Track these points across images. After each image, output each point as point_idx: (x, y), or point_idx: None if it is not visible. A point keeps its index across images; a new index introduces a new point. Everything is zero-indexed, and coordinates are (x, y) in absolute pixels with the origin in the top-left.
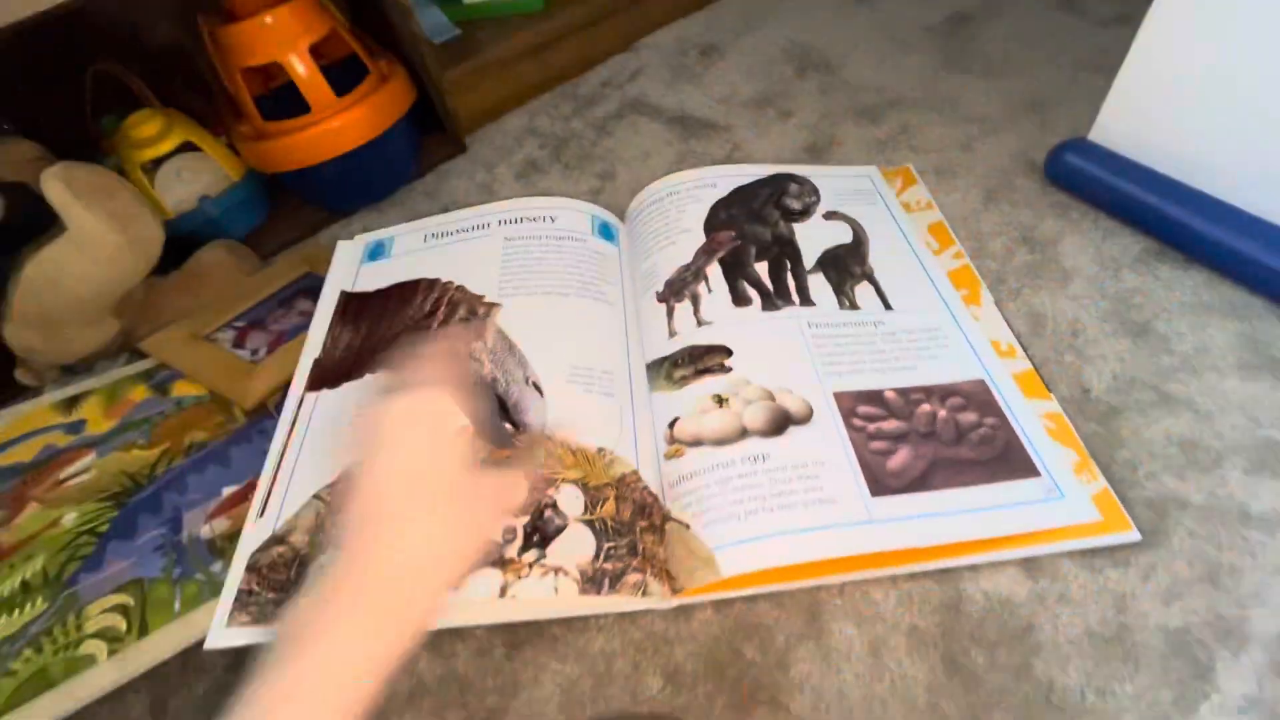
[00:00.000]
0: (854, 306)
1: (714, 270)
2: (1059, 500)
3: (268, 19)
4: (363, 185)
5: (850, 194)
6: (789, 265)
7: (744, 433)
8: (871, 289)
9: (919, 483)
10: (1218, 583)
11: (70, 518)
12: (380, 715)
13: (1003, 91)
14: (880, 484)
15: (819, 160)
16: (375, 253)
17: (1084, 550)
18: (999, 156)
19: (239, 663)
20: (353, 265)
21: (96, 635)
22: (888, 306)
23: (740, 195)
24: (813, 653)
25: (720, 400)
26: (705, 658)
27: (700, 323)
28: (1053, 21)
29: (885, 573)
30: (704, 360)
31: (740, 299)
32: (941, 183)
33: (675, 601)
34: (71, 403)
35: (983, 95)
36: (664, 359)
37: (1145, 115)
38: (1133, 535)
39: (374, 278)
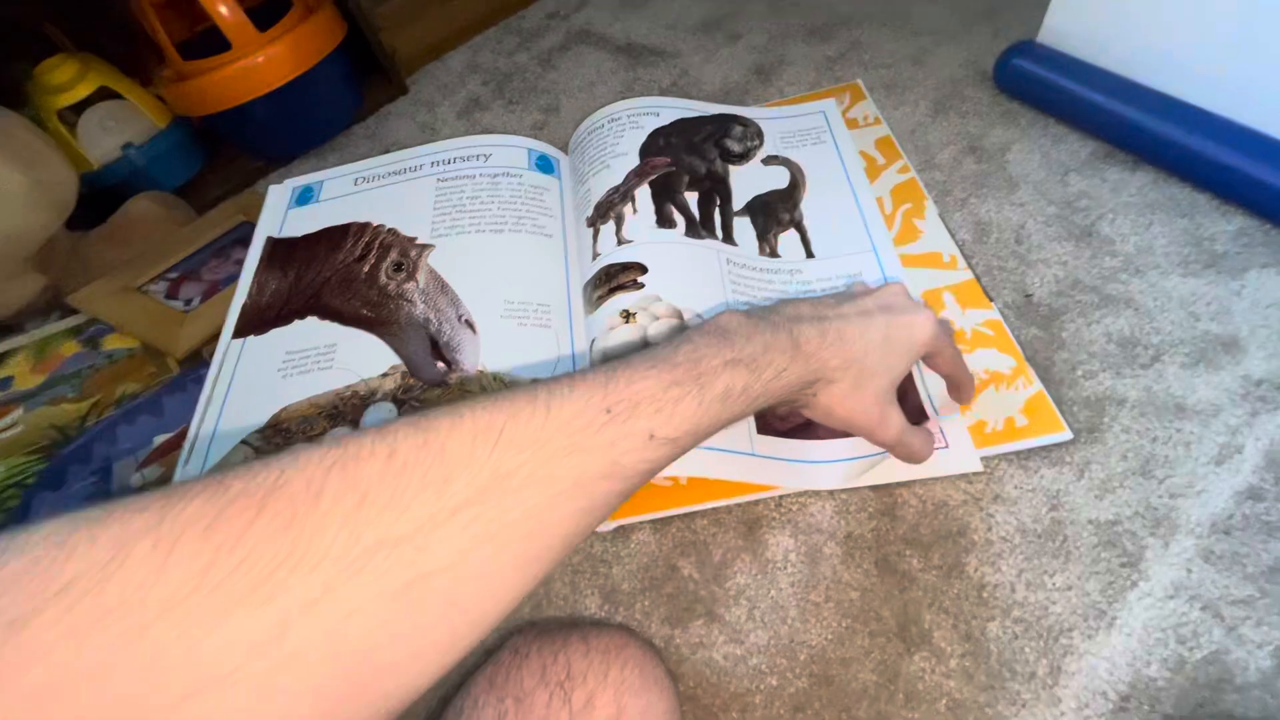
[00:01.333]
0: (774, 254)
1: (643, 193)
2: (942, 451)
3: None
4: (297, 128)
5: (800, 134)
6: (718, 202)
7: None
8: (797, 237)
9: (801, 430)
10: (1150, 475)
11: None
12: None
13: (955, 3)
14: (766, 423)
15: (767, 82)
16: (304, 197)
17: (1018, 452)
18: (950, 67)
19: None
20: (281, 210)
21: None
22: (810, 254)
23: (682, 126)
24: (749, 565)
25: (627, 315)
26: (642, 576)
27: (620, 241)
28: None
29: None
30: (619, 277)
31: (665, 221)
32: (891, 97)
33: (613, 524)
34: None
35: (935, 7)
36: (587, 282)
37: (1092, 11)
38: (1064, 435)
39: (302, 222)
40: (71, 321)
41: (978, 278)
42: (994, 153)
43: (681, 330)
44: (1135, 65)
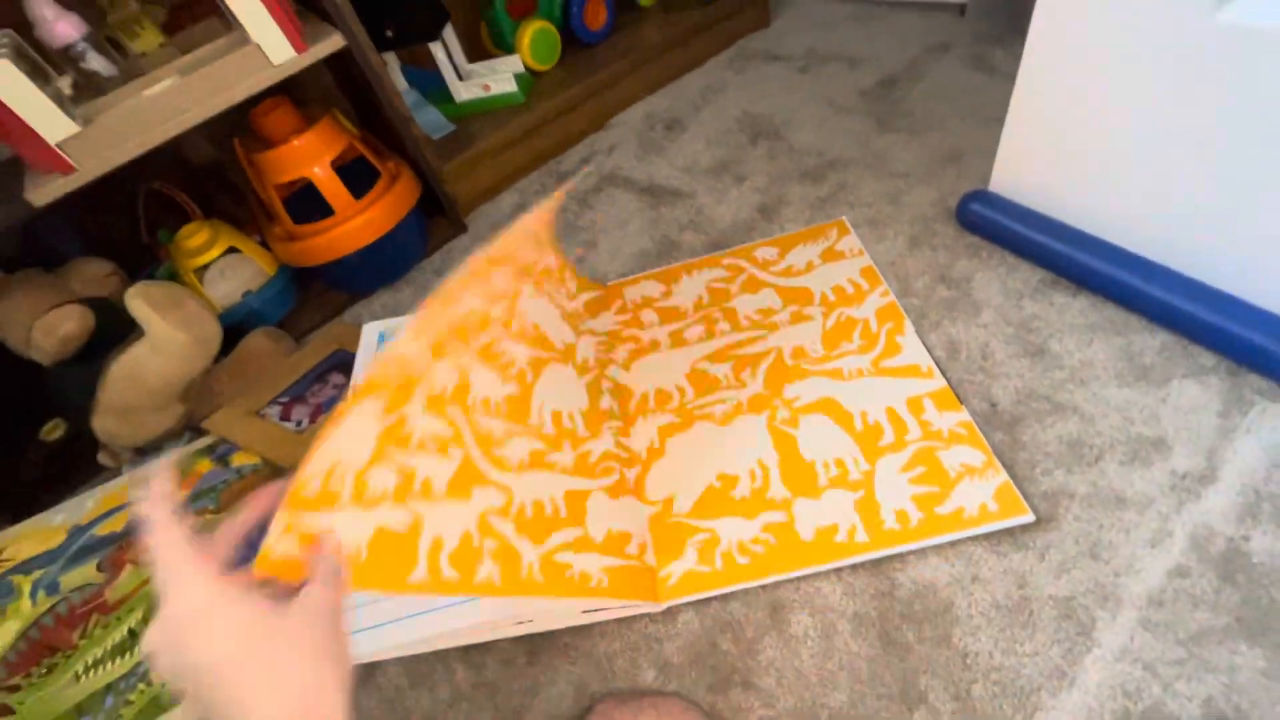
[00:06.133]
0: None
1: None
2: None
3: (296, 143)
4: (380, 270)
5: None
6: None
7: None
8: None
9: None
10: (1098, 557)
11: None
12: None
13: (925, 147)
14: None
15: (769, 219)
16: (383, 339)
17: (990, 535)
18: (921, 206)
19: None
20: (371, 349)
21: None
22: None
23: None
24: (776, 640)
25: None
26: (689, 651)
27: None
28: (967, 80)
29: (830, 566)
30: None
31: None
32: (873, 232)
33: (664, 605)
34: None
35: (908, 151)
36: None
37: (1027, 169)
38: (1028, 517)
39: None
40: (204, 442)
41: (951, 386)
42: (960, 281)
43: None
44: (1068, 212)
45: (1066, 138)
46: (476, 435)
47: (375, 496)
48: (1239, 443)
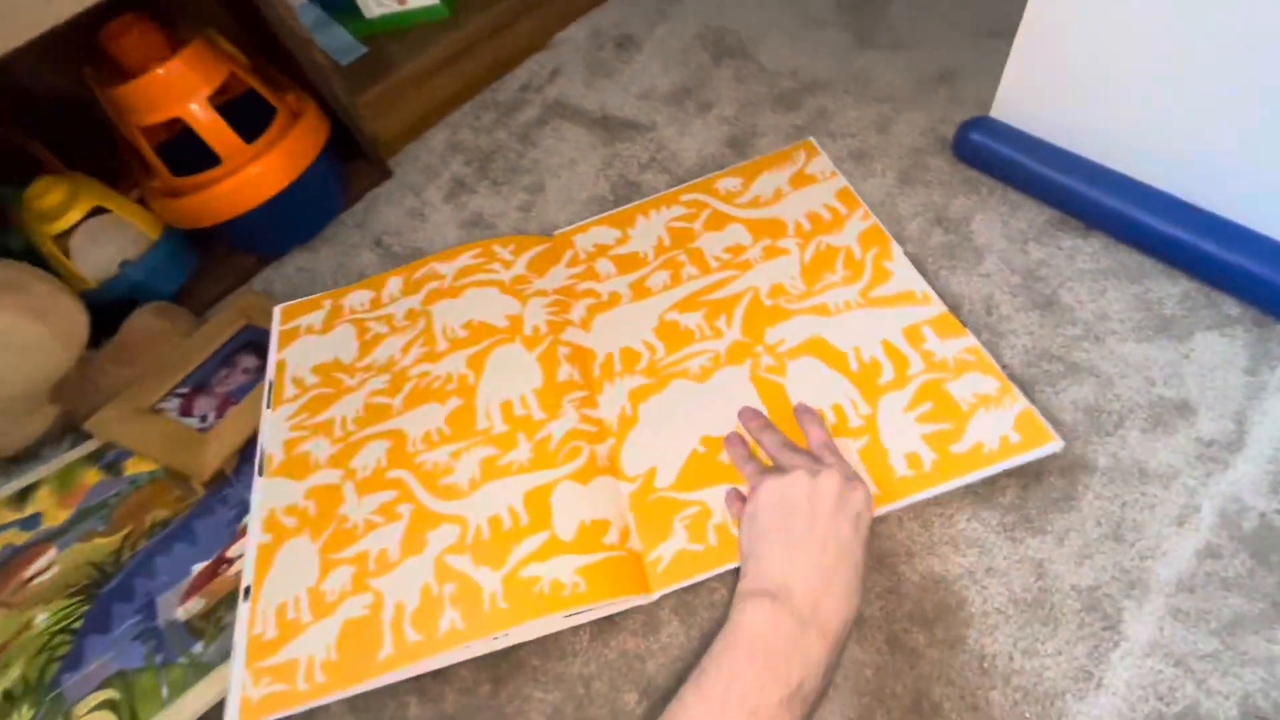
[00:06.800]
0: None
1: None
2: None
3: (161, 72)
4: (290, 226)
5: None
6: None
7: None
8: None
9: None
10: (1122, 539)
11: (42, 618)
12: None
13: (912, 65)
14: None
15: (742, 154)
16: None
17: (1005, 520)
18: (912, 135)
19: None
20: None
21: None
22: None
23: None
24: None
25: None
26: (675, 669)
27: None
28: None
29: None
30: None
31: None
32: (859, 167)
33: (657, 594)
34: (23, 496)
35: (893, 71)
36: None
37: (1038, 93)
38: (1055, 445)
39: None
40: (89, 447)
41: (951, 309)
42: (959, 222)
43: None
44: (1081, 141)
45: (1090, 52)
46: (421, 477)
47: (335, 599)
48: (1268, 403)
